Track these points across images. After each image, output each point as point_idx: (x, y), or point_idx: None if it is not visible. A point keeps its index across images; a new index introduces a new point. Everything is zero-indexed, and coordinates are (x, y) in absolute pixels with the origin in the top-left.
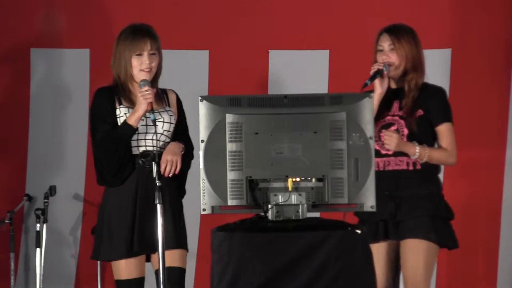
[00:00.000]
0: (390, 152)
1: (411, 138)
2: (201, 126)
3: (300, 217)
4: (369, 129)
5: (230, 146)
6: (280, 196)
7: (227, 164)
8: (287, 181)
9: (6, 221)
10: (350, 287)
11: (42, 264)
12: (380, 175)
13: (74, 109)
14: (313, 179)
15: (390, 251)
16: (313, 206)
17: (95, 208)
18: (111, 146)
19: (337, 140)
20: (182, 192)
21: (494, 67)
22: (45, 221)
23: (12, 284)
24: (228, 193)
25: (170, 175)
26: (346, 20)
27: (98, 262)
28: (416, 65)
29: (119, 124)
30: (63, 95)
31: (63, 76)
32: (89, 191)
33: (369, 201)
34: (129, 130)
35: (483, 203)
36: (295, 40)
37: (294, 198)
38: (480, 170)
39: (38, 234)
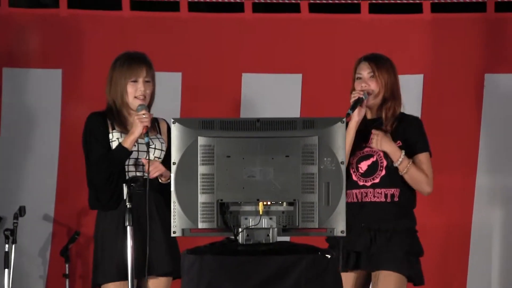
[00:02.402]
0: (367, 184)
1: (390, 169)
2: (173, 148)
3: (271, 241)
4: (340, 154)
5: (201, 169)
6: (250, 220)
7: (199, 187)
8: (258, 204)
9: None
10: None
11: (10, 285)
12: (358, 207)
13: (46, 129)
14: (284, 203)
15: (357, 282)
16: (284, 230)
17: (64, 229)
18: (106, 169)
19: (308, 164)
20: None
21: (466, 94)
22: (14, 241)
23: None
24: (199, 216)
25: (150, 176)
26: (318, 44)
27: (67, 282)
28: (394, 94)
29: (112, 148)
30: (34, 115)
31: (35, 96)
32: (58, 212)
33: (339, 226)
34: (124, 153)
35: (453, 229)
36: (268, 63)
37: (264, 222)
38: (451, 195)
39: (7, 254)
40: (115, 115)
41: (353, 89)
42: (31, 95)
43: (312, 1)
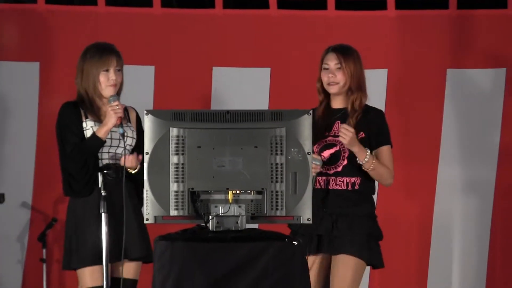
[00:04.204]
0: (330, 172)
1: (352, 159)
2: (146, 139)
3: (240, 228)
4: (307, 144)
5: (173, 159)
6: (220, 208)
7: (170, 176)
8: (227, 193)
9: None
10: None
11: None
12: (323, 193)
13: (24, 120)
14: (253, 192)
15: (320, 266)
16: (252, 218)
17: (41, 216)
18: (80, 158)
19: (276, 155)
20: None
21: (428, 88)
22: None
23: None
24: (171, 203)
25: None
26: (286, 40)
27: (44, 267)
28: (360, 85)
29: (86, 137)
30: (12, 106)
31: (13, 88)
32: (36, 200)
33: (306, 214)
34: (98, 142)
35: (415, 220)
36: (238, 57)
37: (234, 210)
38: (413, 187)
39: None
40: (88, 105)
41: (320, 79)
42: (9, 87)
43: None
